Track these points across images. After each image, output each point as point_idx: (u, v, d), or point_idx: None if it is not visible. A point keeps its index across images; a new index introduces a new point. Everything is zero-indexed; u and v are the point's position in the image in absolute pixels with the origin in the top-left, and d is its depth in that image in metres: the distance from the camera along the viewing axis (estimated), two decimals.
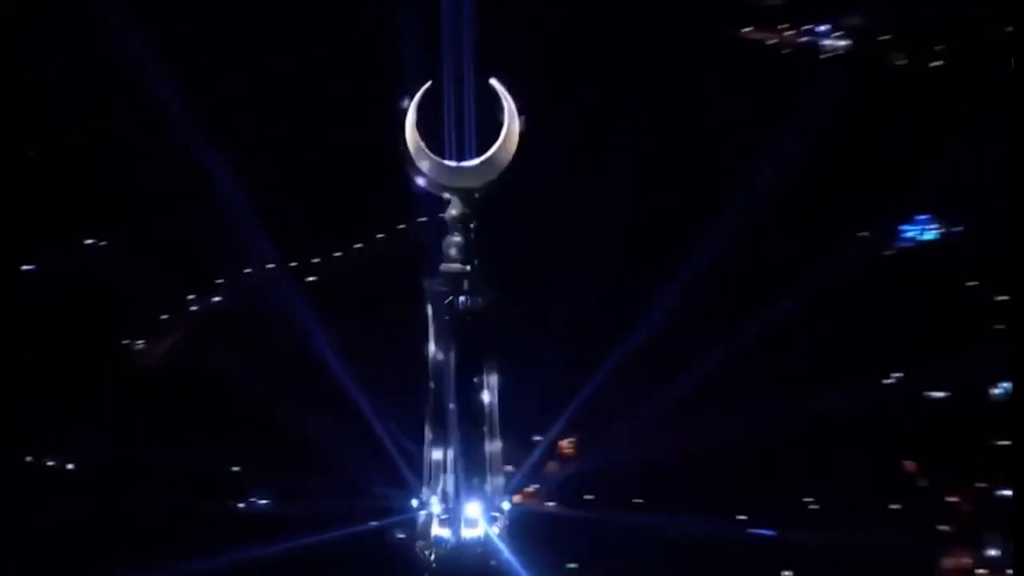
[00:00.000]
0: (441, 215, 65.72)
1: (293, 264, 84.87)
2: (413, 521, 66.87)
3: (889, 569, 70.60)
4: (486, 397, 65.44)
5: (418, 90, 64.84)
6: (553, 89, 75.59)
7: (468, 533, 65.62)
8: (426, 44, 68.62)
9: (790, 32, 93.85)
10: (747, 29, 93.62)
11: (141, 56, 78.56)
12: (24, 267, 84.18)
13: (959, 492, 75.72)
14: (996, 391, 78.33)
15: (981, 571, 72.75)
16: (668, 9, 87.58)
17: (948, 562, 72.96)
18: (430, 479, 65.85)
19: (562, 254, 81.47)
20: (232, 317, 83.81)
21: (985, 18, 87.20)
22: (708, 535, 71.97)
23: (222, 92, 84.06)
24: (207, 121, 78.69)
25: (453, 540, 65.44)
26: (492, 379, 65.35)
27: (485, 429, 65.61)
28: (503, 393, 65.67)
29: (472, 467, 65.44)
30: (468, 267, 65.30)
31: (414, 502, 67.25)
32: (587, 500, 74.59)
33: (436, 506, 65.88)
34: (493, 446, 65.79)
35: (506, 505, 67.15)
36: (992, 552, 72.89)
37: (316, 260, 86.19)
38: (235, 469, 75.96)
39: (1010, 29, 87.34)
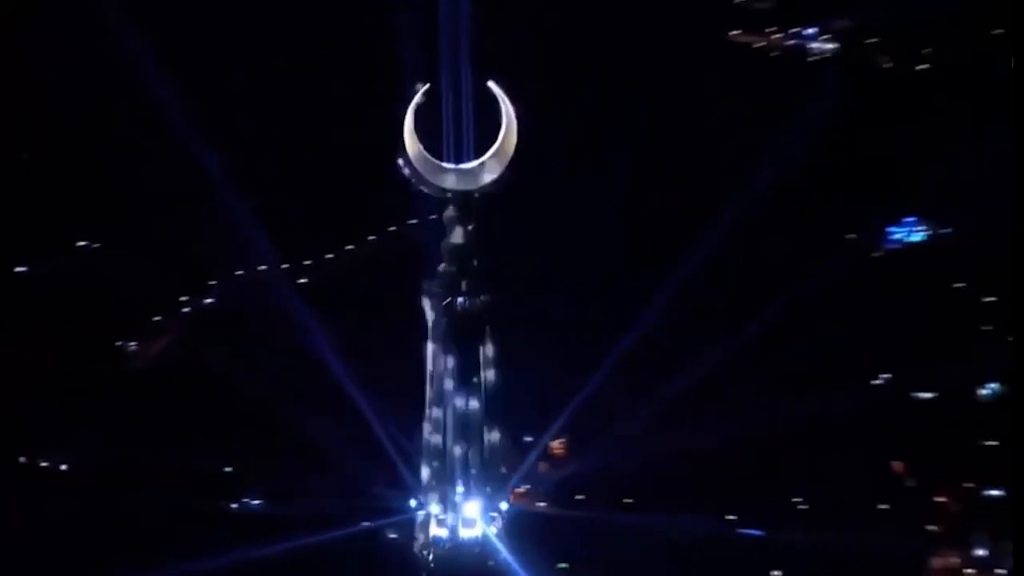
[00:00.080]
0: (439, 216, 66.27)
1: (286, 266, 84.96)
2: (411, 521, 67.21)
3: (878, 568, 70.81)
4: (484, 397, 65.83)
5: (416, 92, 65.37)
6: (548, 90, 75.68)
7: (466, 533, 65.93)
8: (425, 46, 69.06)
9: (779, 35, 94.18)
10: (736, 32, 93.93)
11: (139, 57, 78.53)
12: (19, 268, 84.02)
13: (947, 492, 75.99)
14: (984, 392, 78.81)
15: (969, 571, 73.02)
16: (660, 12, 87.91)
17: (936, 561, 73.25)
18: (429, 479, 66.20)
19: (554, 257, 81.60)
20: (227, 317, 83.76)
21: (972, 21, 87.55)
22: (698, 535, 72.19)
23: (218, 93, 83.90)
24: (204, 122, 78.76)
25: (450, 541, 65.79)
26: (490, 379, 65.74)
27: (484, 429, 65.99)
28: (499, 393, 66.15)
29: (471, 467, 65.81)
30: (466, 268, 65.85)
31: (412, 502, 67.54)
32: (578, 500, 74.64)
33: (434, 506, 66.20)
34: (492, 446, 66.16)
35: (504, 505, 67.50)
36: (980, 552, 73.15)
37: (309, 262, 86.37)
38: (227, 470, 76.05)
39: (997, 32, 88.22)
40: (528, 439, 74.13)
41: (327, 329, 75.91)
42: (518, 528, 68.28)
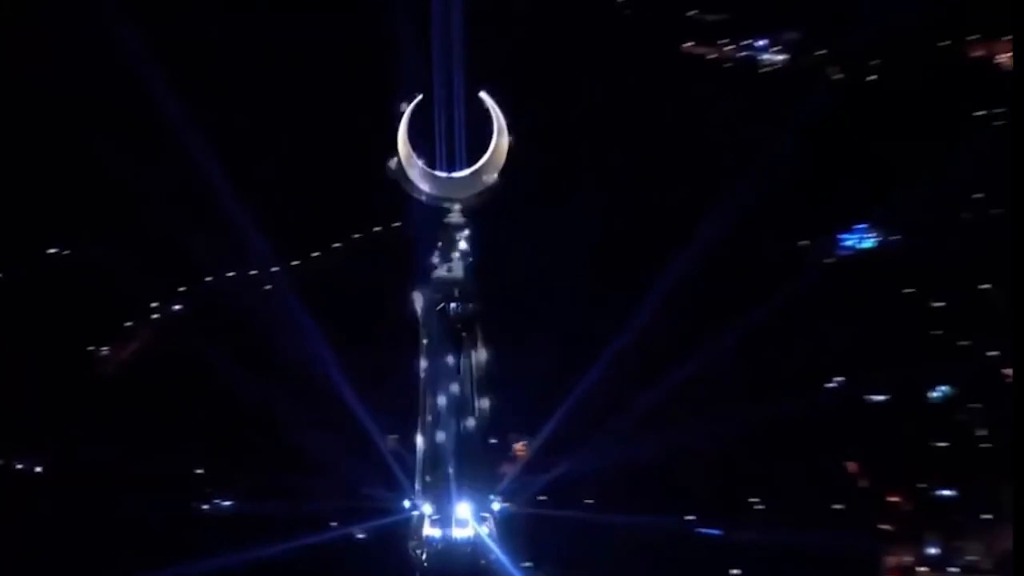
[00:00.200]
0: (432, 221, 66.97)
1: (275, 269, 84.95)
2: (405, 522, 67.49)
3: (832, 566, 71.94)
4: (476, 399, 66.44)
5: (410, 99, 66.07)
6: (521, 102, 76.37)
7: (458, 533, 66.40)
8: (417, 57, 69.81)
9: (730, 47, 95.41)
10: (689, 44, 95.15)
11: (127, 54, 77.92)
12: None
13: (899, 492, 77.29)
14: (934, 395, 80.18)
15: (922, 569, 74.39)
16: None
17: (890, 560, 74.55)
18: (422, 480, 66.54)
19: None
20: (208, 320, 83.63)
21: (920, 33, 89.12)
22: (658, 534, 72.98)
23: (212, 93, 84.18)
24: (192, 123, 78.47)
25: (443, 540, 66.11)
26: (481, 382, 66.38)
27: (475, 431, 66.55)
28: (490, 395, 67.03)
29: (463, 468, 66.25)
30: (459, 275, 66.68)
31: (406, 503, 67.96)
32: (540, 501, 75.16)
33: (427, 507, 66.59)
34: (484, 447, 66.80)
35: (496, 506, 68.12)
36: (931, 550, 74.55)
37: (296, 262, 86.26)
38: (199, 471, 76.26)
39: (944, 43, 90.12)
40: (492, 441, 74.42)
41: (321, 332, 75.88)
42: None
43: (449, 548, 66.34)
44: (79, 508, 73.46)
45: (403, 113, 66.36)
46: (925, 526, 75.54)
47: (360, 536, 71.30)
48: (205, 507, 75.95)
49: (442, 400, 66.42)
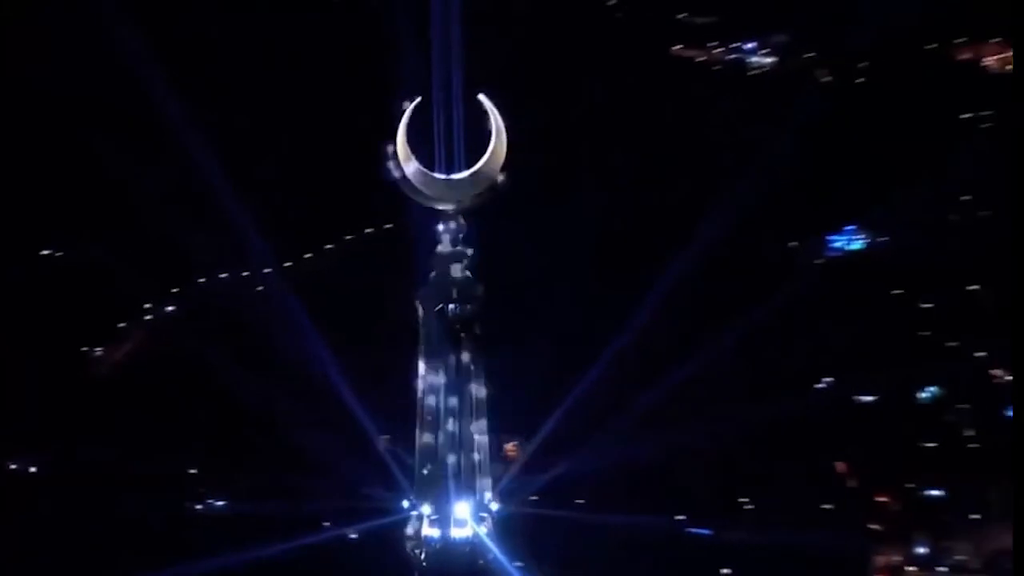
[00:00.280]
0: (431, 222, 67.24)
1: (268, 270, 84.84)
2: (404, 521, 67.67)
3: (822, 565, 71.92)
4: (475, 400, 66.71)
5: (410, 99, 66.31)
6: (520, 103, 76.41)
7: (457, 533, 66.63)
8: (417, 58, 69.97)
9: (720, 49, 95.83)
10: (679, 47, 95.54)
11: (127, 54, 77.97)
12: None
13: (888, 492, 77.53)
14: (923, 395, 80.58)
15: (911, 568, 74.65)
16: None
17: (879, 559, 74.81)
18: (420, 480, 66.73)
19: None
20: (206, 321, 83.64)
21: (907, 36, 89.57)
22: (650, 534, 73.03)
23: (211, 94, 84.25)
24: (190, 124, 78.46)
25: (441, 540, 66.31)
26: (480, 383, 66.65)
27: (474, 431, 66.82)
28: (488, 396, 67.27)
29: (462, 469, 66.52)
30: (459, 276, 67.01)
31: (404, 503, 68.11)
32: (536, 501, 75.25)
33: (426, 507, 66.79)
34: (482, 448, 67.04)
35: (494, 506, 68.33)
36: (920, 550, 74.84)
37: (289, 263, 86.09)
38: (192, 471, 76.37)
39: (934, 46, 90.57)
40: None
41: (316, 330, 76.00)
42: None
43: (448, 548, 66.56)
44: (77, 508, 73.38)
45: (403, 114, 66.53)
46: (914, 526, 75.66)
47: (352, 536, 71.17)
48: (198, 507, 75.76)
49: (441, 401, 66.73)
